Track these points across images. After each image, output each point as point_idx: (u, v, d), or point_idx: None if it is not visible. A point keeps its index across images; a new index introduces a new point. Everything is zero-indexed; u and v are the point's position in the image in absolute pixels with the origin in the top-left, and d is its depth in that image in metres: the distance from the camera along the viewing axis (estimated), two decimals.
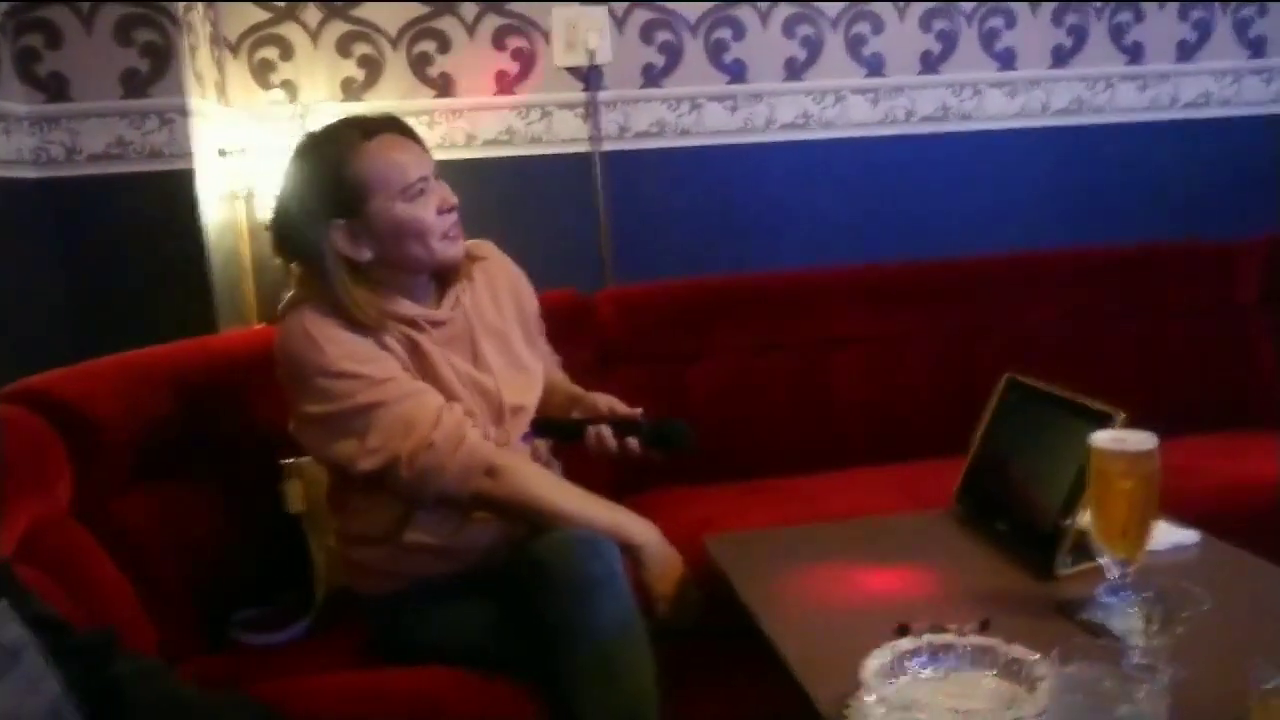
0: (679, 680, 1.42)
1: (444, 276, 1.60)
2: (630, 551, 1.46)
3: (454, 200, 1.54)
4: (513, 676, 1.44)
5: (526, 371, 1.65)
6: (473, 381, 1.56)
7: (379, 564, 1.55)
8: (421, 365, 1.52)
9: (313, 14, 2.51)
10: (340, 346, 1.45)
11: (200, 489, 1.73)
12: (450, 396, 1.51)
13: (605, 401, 1.64)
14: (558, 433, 1.64)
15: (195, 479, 1.72)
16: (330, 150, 1.49)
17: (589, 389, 1.74)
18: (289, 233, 1.51)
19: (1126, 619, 1.04)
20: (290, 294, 1.55)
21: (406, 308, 1.53)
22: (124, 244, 2.21)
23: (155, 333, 1.90)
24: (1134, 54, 2.87)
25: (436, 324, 1.56)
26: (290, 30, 2.50)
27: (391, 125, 1.53)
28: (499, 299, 1.66)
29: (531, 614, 1.40)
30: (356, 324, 1.47)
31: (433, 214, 1.50)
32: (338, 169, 1.47)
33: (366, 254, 1.49)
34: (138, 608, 1.47)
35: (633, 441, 1.54)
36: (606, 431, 1.55)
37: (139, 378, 1.70)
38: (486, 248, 1.70)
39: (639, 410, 1.59)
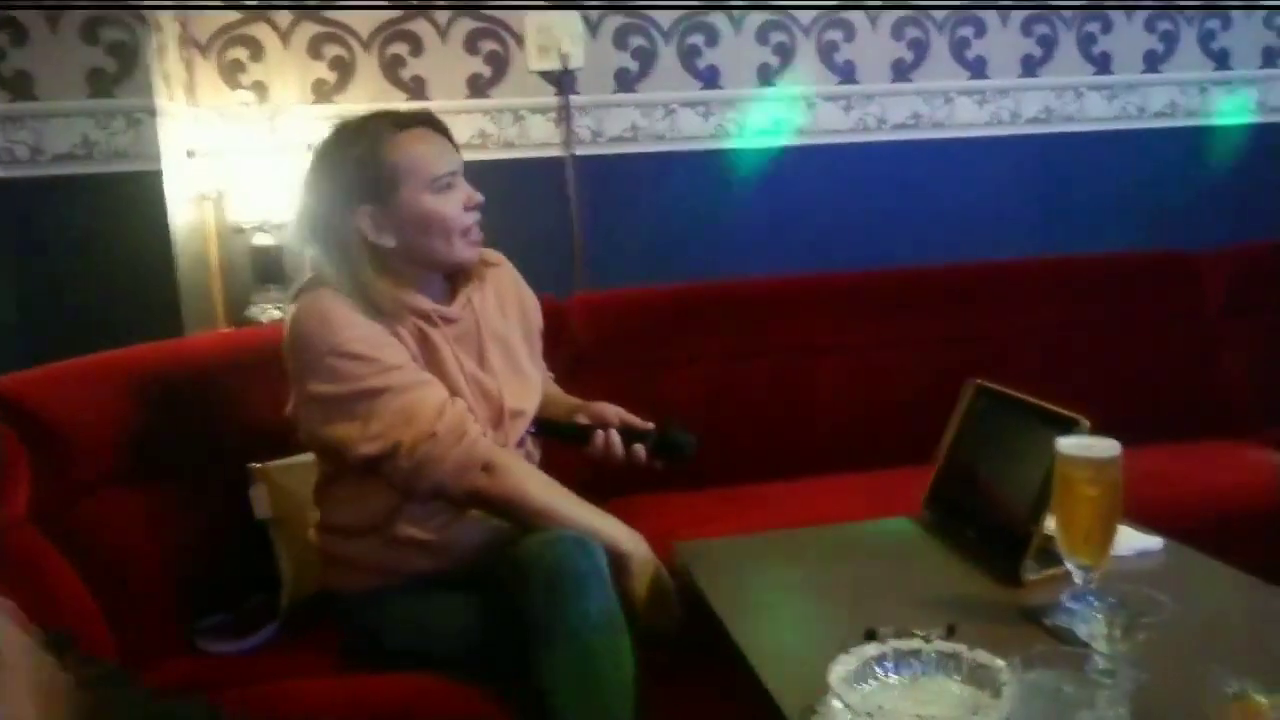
0: (657, 682, 1.42)
1: (457, 276, 1.62)
2: (617, 559, 1.46)
3: (480, 199, 1.57)
4: (490, 675, 1.45)
5: (527, 378, 1.67)
6: (476, 382, 1.58)
7: (364, 558, 1.55)
8: (430, 359, 1.54)
9: (283, 15, 2.49)
10: (353, 329, 1.46)
11: (166, 494, 1.71)
12: (454, 393, 1.53)
13: (615, 411, 1.65)
14: (563, 434, 1.65)
15: (161, 484, 1.70)
16: (363, 137, 1.52)
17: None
18: (314, 217, 1.53)
19: (1090, 625, 1.05)
20: (308, 277, 1.56)
21: (421, 301, 1.55)
22: (89, 246, 2.18)
23: (120, 336, 1.88)
24: (1102, 64, 2.91)
25: (448, 320, 1.58)
26: (260, 31, 2.48)
27: (425, 120, 1.57)
28: (505, 306, 1.69)
29: (513, 612, 1.40)
30: (372, 310, 1.49)
31: (458, 209, 1.54)
32: (370, 155, 1.50)
33: (389, 242, 1.52)
34: (96, 614, 1.46)
35: (639, 449, 1.58)
36: (616, 437, 1.57)
37: (103, 381, 1.68)
38: (499, 256, 1.73)
39: (651, 425, 1.62)
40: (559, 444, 1.68)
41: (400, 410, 1.45)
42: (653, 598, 1.48)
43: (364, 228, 1.51)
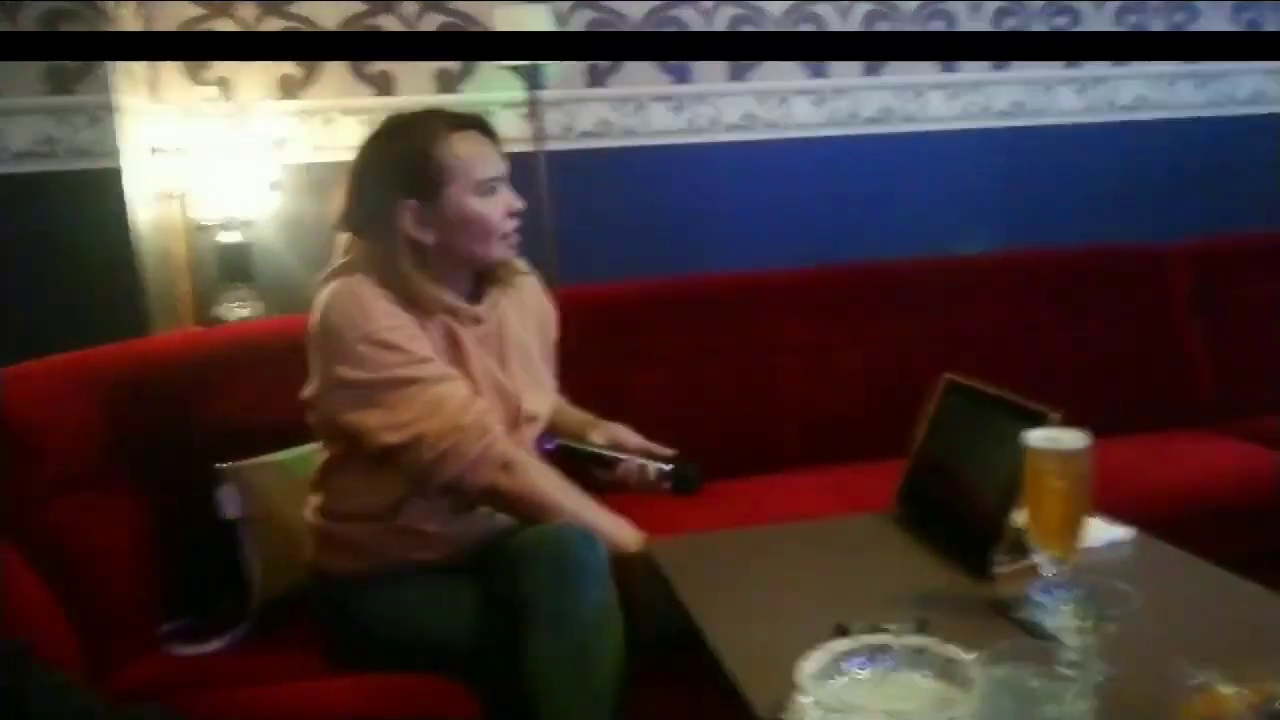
0: (655, 683, 1.45)
1: (485, 277, 1.64)
2: (623, 559, 1.49)
3: (520, 206, 1.60)
4: (477, 667, 1.47)
5: (542, 386, 1.71)
6: (496, 383, 1.60)
7: (362, 541, 1.56)
8: (455, 356, 1.56)
9: (248, 9, 2.46)
10: (388, 319, 1.49)
11: (134, 495, 1.69)
12: (475, 391, 1.55)
13: (637, 441, 1.71)
14: (588, 458, 1.68)
15: (128, 485, 1.69)
16: (416, 133, 1.55)
17: None
18: (360, 205, 1.56)
19: (1059, 617, 1.04)
20: (341, 261, 1.58)
21: (452, 298, 1.58)
22: (50, 245, 2.15)
23: (85, 336, 1.85)
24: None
25: (475, 320, 1.60)
26: (225, 26, 2.45)
27: (477, 123, 1.60)
28: (526, 315, 1.71)
29: (506, 603, 1.43)
30: (404, 302, 1.52)
31: (500, 214, 1.57)
32: (422, 151, 1.53)
33: (429, 238, 1.54)
34: (61, 619, 1.43)
35: (651, 469, 1.64)
36: (636, 464, 1.64)
37: (68, 382, 1.66)
38: (524, 266, 1.75)
39: (672, 452, 1.68)
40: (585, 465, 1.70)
41: (428, 403, 1.47)
42: (654, 599, 1.48)
43: (405, 222, 1.52)
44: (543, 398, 1.70)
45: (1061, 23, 2.90)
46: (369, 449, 1.49)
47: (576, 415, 1.81)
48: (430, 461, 1.47)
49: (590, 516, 1.53)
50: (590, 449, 1.69)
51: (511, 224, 1.60)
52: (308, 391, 1.56)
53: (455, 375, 1.53)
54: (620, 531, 1.54)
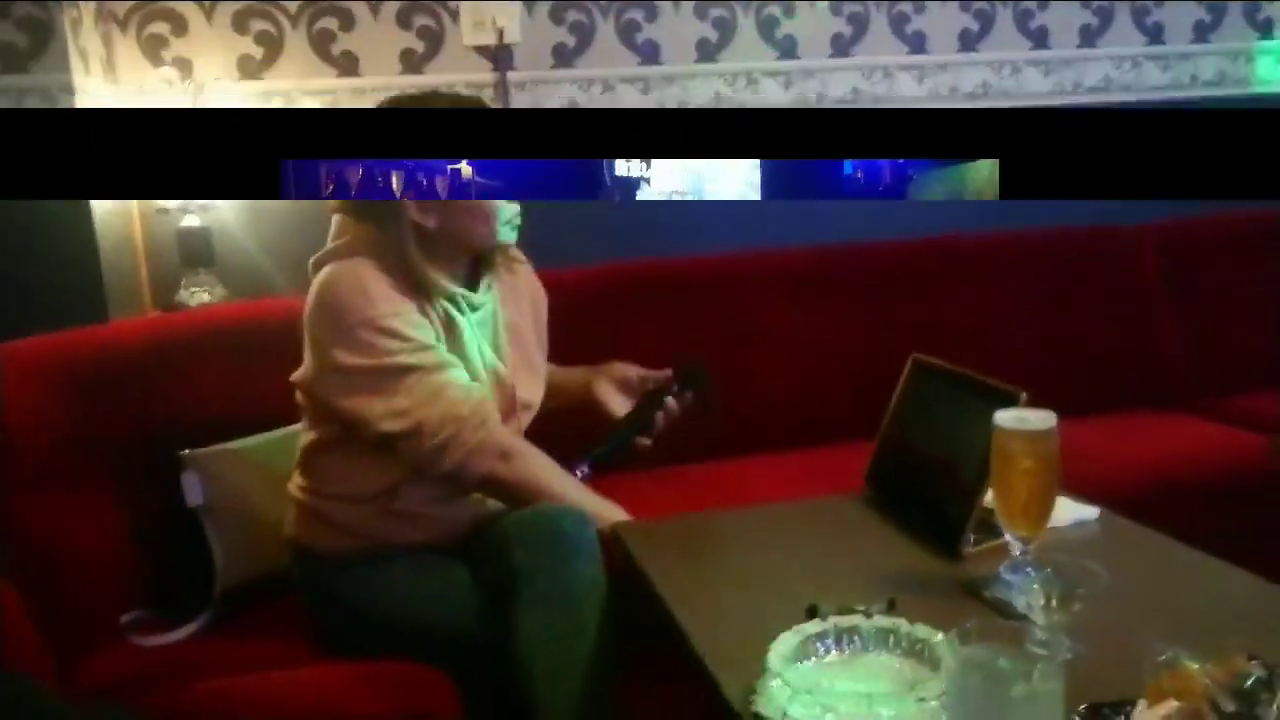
0: (646, 682, 1.45)
1: (481, 263, 1.64)
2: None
3: None
4: (454, 650, 1.47)
5: (536, 372, 1.71)
6: (492, 369, 1.60)
7: (352, 521, 1.55)
8: (453, 342, 1.55)
9: None
10: (390, 304, 1.48)
11: (97, 484, 1.67)
12: (472, 378, 1.55)
13: (635, 372, 1.74)
14: (630, 433, 1.69)
15: (91, 474, 1.66)
16: None
17: None
18: None
19: (1027, 596, 1.05)
20: (338, 243, 1.55)
21: (451, 283, 1.57)
22: (5, 230, 2.09)
23: (41, 323, 1.81)
24: (1039, 39, 2.92)
25: (473, 306, 1.60)
26: (183, 5, 2.39)
27: (478, 106, 1.64)
28: (520, 300, 1.71)
29: (490, 589, 1.44)
30: (405, 287, 1.51)
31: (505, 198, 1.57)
32: None
33: (432, 223, 1.53)
34: (23, 614, 1.40)
35: (670, 404, 1.69)
36: (656, 416, 1.68)
37: (26, 370, 1.64)
38: (518, 252, 1.74)
39: (668, 372, 1.73)
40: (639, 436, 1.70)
41: (428, 391, 1.47)
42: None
43: (410, 207, 1.51)
44: (536, 385, 1.70)
45: (1030, 5, 2.90)
46: (366, 435, 1.49)
47: (574, 377, 1.80)
48: (430, 450, 1.47)
49: (592, 505, 1.54)
50: (615, 441, 1.68)
51: (514, 208, 1.59)
52: (300, 374, 1.55)
53: (455, 363, 1.53)
54: (616, 517, 1.55)
